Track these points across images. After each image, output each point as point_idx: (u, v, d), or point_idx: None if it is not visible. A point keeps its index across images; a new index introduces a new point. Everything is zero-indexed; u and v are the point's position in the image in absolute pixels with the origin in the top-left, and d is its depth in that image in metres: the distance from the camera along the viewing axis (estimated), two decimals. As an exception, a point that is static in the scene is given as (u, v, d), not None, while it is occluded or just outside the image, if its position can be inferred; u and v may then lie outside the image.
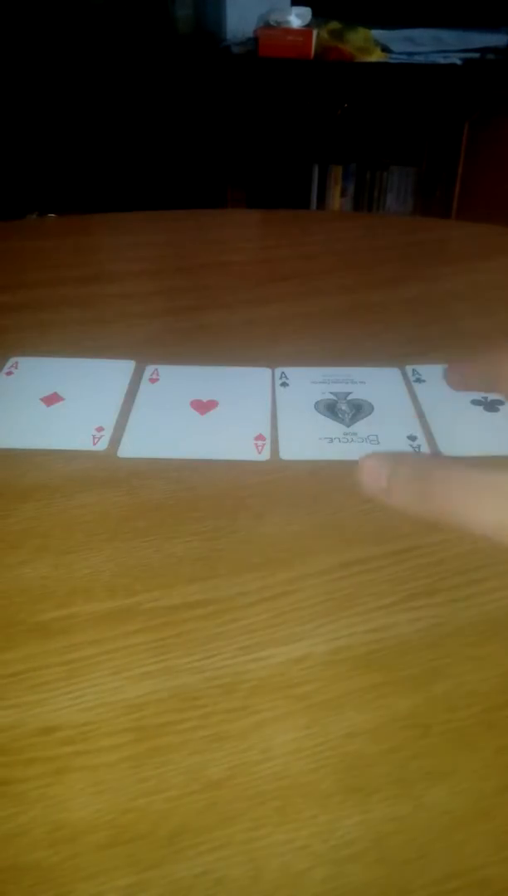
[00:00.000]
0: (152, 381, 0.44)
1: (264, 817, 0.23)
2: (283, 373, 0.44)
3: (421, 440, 0.38)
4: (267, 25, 1.74)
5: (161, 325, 0.51)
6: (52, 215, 1.51)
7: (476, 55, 1.74)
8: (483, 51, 1.75)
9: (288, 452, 0.38)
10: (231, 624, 0.29)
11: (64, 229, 0.73)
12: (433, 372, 0.45)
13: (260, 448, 0.38)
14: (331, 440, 0.38)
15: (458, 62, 1.71)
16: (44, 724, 0.25)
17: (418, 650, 0.28)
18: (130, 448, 0.38)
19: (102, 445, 0.38)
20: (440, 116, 1.79)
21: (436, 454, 0.28)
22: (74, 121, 1.95)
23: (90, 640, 0.28)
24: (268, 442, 0.38)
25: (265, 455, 0.38)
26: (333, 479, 0.36)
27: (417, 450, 0.37)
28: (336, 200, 2.00)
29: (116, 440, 0.39)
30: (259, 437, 0.39)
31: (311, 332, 0.50)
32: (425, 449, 0.37)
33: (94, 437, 0.39)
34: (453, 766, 0.24)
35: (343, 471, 0.37)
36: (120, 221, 0.73)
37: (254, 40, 1.75)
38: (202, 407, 0.41)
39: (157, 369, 0.45)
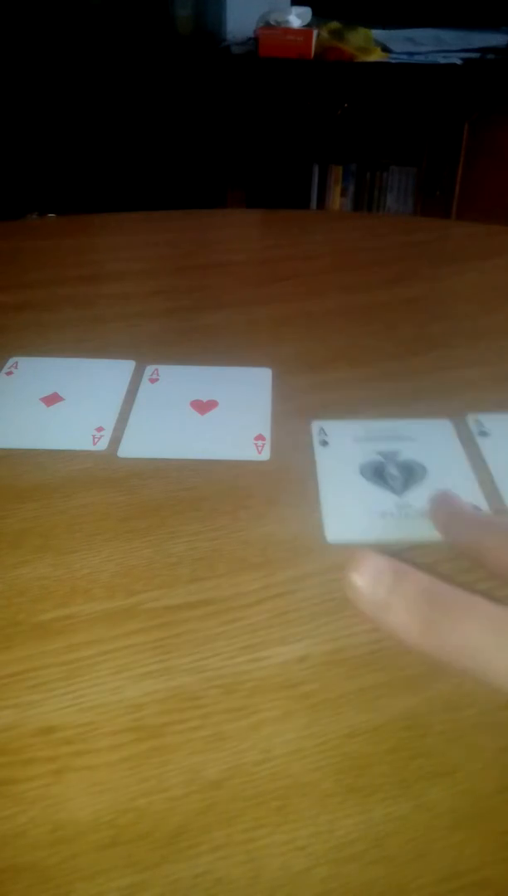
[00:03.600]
0: (152, 381, 0.43)
1: (264, 817, 0.23)
2: (322, 429, 0.39)
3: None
4: (267, 25, 1.74)
5: (161, 325, 0.51)
6: (52, 215, 1.51)
7: (476, 55, 1.74)
8: (484, 51, 1.75)
9: (335, 534, 0.32)
10: (231, 624, 0.29)
11: (64, 229, 0.73)
12: (499, 423, 0.39)
13: (260, 448, 0.38)
14: (383, 514, 0.33)
15: (458, 62, 1.71)
16: (43, 724, 0.25)
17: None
18: (130, 448, 0.38)
19: (102, 445, 0.38)
20: (441, 116, 1.79)
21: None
22: (74, 121, 1.95)
23: (90, 641, 0.28)
24: (268, 442, 0.38)
25: (265, 455, 0.37)
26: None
27: None
28: (336, 200, 2.00)
29: (116, 440, 0.39)
30: (259, 437, 0.39)
31: (311, 332, 0.50)
32: None
33: (94, 437, 0.39)
34: (453, 766, 0.24)
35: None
36: (120, 221, 0.73)
37: (254, 40, 1.75)
38: (202, 407, 0.41)
39: (157, 369, 0.45)
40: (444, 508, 0.31)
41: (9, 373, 0.44)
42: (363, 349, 0.48)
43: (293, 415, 0.41)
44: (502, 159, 1.80)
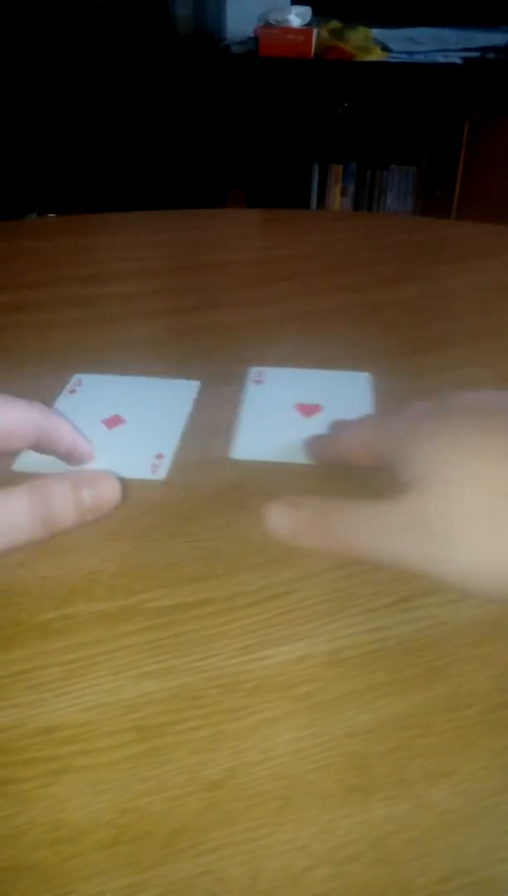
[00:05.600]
0: (257, 382, 0.43)
1: (264, 817, 0.23)
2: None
3: None
4: (267, 25, 1.74)
5: (162, 324, 0.51)
6: (52, 215, 1.51)
7: (477, 54, 1.74)
8: (484, 50, 1.75)
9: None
10: (231, 624, 0.29)
11: (64, 229, 0.73)
12: None
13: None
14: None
15: (458, 61, 1.71)
16: (44, 724, 0.25)
17: (418, 650, 0.28)
18: (244, 450, 0.38)
19: (160, 474, 0.36)
20: (441, 116, 1.79)
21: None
22: (74, 121, 1.95)
23: (90, 640, 0.28)
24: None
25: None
26: (333, 479, 0.36)
27: None
28: (336, 200, 2.00)
29: (176, 467, 0.37)
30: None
31: (311, 332, 0.50)
32: None
33: (153, 465, 0.37)
34: (453, 766, 0.24)
35: (344, 471, 0.37)
36: (120, 221, 0.73)
37: (254, 40, 1.76)
38: (308, 410, 0.40)
39: (263, 371, 0.44)
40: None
41: (72, 391, 0.43)
42: (363, 349, 0.48)
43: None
44: (502, 159, 1.80)
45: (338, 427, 0.37)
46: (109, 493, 0.28)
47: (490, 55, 1.74)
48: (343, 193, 1.99)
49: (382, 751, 0.24)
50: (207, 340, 0.49)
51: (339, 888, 0.21)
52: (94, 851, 0.22)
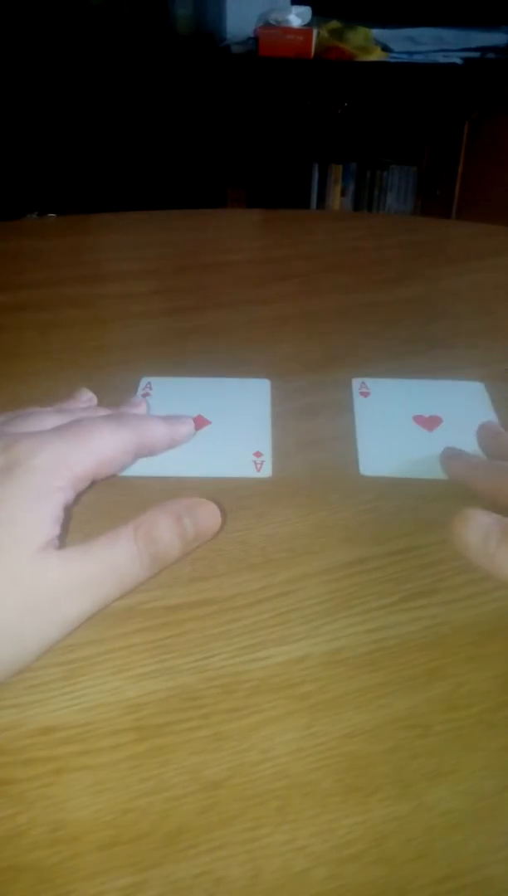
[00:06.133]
0: (364, 394, 0.42)
1: (264, 817, 0.23)
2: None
3: None
4: (267, 25, 1.74)
5: (161, 324, 0.51)
6: (52, 215, 1.51)
7: (477, 54, 1.74)
8: (484, 50, 1.75)
9: None
10: (231, 624, 0.29)
11: (64, 229, 0.73)
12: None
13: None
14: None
15: (458, 61, 1.71)
16: (43, 724, 0.25)
17: (418, 650, 0.28)
18: (370, 466, 0.37)
19: (265, 472, 0.36)
20: (441, 116, 1.79)
21: None
22: (74, 121, 1.95)
23: (89, 640, 0.28)
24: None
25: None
26: (333, 479, 0.36)
27: None
28: (336, 200, 2.00)
29: (276, 466, 0.37)
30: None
31: (311, 331, 0.50)
32: None
33: (255, 463, 0.37)
34: (453, 766, 0.24)
35: (343, 472, 0.37)
36: (120, 221, 0.73)
37: (254, 40, 1.76)
38: (427, 423, 0.40)
39: (365, 381, 0.43)
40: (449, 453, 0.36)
41: (145, 394, 0.42)
42: (364, 349, 0.48)
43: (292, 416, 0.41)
44: (502, 159, 1.80)
45: (491, 435, 0.35)
46: (211, 521, 0.29)
47: (490, 55, 1.74)
48: (343, 193, 2.00)
49: (381, 751, 0.24)
50: (206, 340, 0.49)
51: (339, 888, 0.21)
52: (93, 851, 0.22)
